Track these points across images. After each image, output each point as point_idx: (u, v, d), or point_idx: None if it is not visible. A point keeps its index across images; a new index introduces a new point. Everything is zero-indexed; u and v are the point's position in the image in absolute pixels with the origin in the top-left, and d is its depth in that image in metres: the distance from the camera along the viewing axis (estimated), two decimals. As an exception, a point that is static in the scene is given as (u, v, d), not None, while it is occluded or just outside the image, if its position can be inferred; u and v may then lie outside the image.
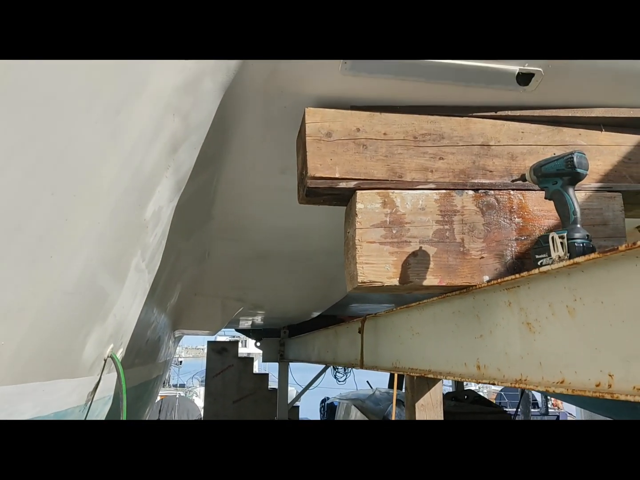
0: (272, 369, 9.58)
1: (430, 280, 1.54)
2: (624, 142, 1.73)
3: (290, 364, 8.38)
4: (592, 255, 1.05)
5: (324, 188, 1.57)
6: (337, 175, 1.56)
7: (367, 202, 1.56)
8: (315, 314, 6.28)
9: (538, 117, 1.68)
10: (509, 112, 1.68)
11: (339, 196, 1.63)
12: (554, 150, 1.68)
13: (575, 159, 1.23)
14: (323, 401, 11.76)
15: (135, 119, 1.16)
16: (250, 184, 2.19)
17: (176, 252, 2.34)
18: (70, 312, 1.33)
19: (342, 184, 1.56)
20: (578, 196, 1.60)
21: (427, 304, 2.04)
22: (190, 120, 1.46)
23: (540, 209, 1.60)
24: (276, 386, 8.61)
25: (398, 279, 1.53)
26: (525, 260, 1.56)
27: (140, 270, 1.75)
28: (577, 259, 1.10)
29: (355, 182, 1.57)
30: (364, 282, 1.52)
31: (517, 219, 1.59)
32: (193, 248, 2.73)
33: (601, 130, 1.72)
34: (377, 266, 1.53)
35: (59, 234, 1.03)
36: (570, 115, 1.68)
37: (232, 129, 1.76)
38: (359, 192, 1.56)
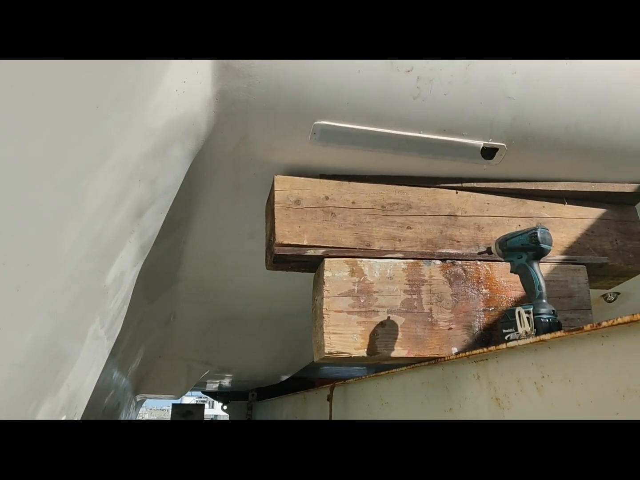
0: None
1: (399, 351, 1.51)
2: (587, 215, 1.77)
3: (260, 427, 8.08)
4: (558, 333, 1.05)
5: (292, 255, 1.55)
6: (305, 243, 1.55)
7: (335, 270, 1.54)
8: (285, 378, 6.13)
9: (503, 189, 1.72)
10: (475, 184, 1.71)
11: (307, 263, 1.62)
12: (519, 222, 1.72)
13: (539, 235, 1.25)
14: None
15: (98, 185, 1.14)
16: (219, 248, 2.16)
17: (139, 315, 2.27)
18: (19, 384, 1.25)
19: (310, 252, 1.55)
20: (544, 268, 1.62)
21: (396, 373, 2.00)
22: (157, 185, 1.44)
23: (507, 280, 1.60)
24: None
25: (366, 349, 1.50)
26: (493, 332, 1.55)
27: (99, 337, 1.67)
28: (543, 336, 1.09)
29: (323, 250, 1.56)
30: (331, 353, 1.48)
31: (484, 290, 1.60)
32: (158, 311, 2.65)
33: (564, 204, 1.77)
34: (344, 336, 1.50)
35: (8, 304, 0.98)
36: (533, 188, 1.72)
37: (201, 194, 1.75)
38: (327, 260, 1.55)
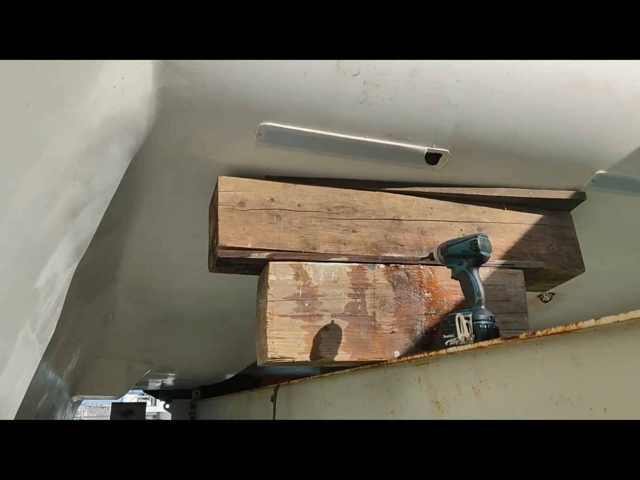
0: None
1: (342, 355, 1.51)
2: (525, 220, 1.83)
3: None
4: (495, 341, 1.07)
5: (236, 258, 1.52)
6: (249, 246, 1.52)
7: (279, 274, 1.52)
8: (229, 376, 6.06)
9: (446, 194, 1.75)
10: (419, 189, 1.73)
11: (251, 266, 1.59)
12: (461, 227, 1.75)
13: (479, 242, 1.28)
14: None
15: (27, 186, 1.07)
16: (160, 248, 2.10)
17: (75, 316, 2.17)
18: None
19: (255, 255, 1.53)
20: (484, 272, 1.67)
21: (339, 375, 2.01)
22: (93, 184, 1.38)
23: (448, 283, 1.63)
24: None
25: (309, 354, 1.49)
26: (435, 335, 1.58)
27: (30, 341, 1.59)
28: (481, 343, 1.11)
29: (268, 253, 1.53)
30: (274, 358, 1.47)
31: (426, 294, 1.62)
32: (95, 311, 2.55)
33: (504, 209, 1.82)
34: (288, 341, 1.48)
35: None
36: (475, 193, 1.76)
37: (142, 193, 1.69)
38: (271, 264, 1.53)
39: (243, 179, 1.59)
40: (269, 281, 1.51)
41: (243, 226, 1.53)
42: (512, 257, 1.74)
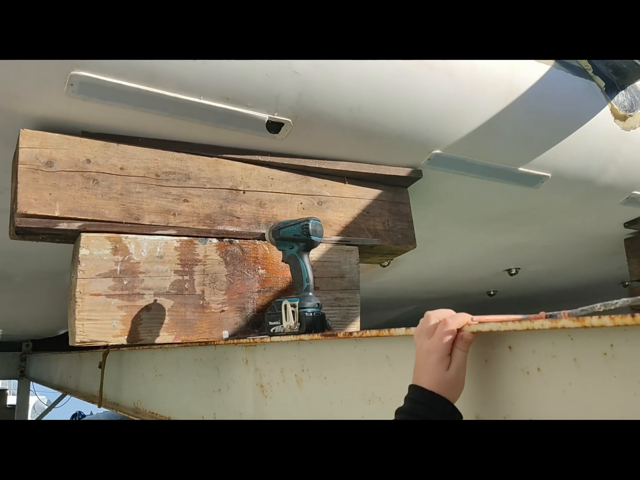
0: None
1: (164, 337, 1.40)
2: (364, 195, 1.83)
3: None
4: (315, 336, 1.04)
5: (40, 228, 1.31)
6: (57, 214, 1.32)
7: (94, 248, 1.35)
8: (62, 332, 5.62)
9: (288, 165, 1.67)
10: (260, 157, 1.63)
11: (62, 236, 1.39)
12: (301, 199, 1.69)
13: (310, 226, 1.22)
14: (74, 416, 10.77)
15: None
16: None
17: None
18: None
19: (63, 225, 1.33)
20: (321, 248, 1.64)
21: (170, 348, 1.90)
22: None
23: (284, 260, 1.58)
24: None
25: (126, 337, 1.35)
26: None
27: None
28: (302, 336, 1.07)
29: (80, 223, 1.34)
30: (84, 342, 1.31)
31: (261, 270, 1.55)
32: None
33: (345, 183, 1.79)
34: (101, 322, 1.33)
35: None
36: (317, 166, 1.71)
37: None
38: (84, 235, 1.34)
39: (52, 134, 1.35)
40: (80, 255, 1.32)
41: (50, 190, 1.32)
42: (349, 232, 1.73)
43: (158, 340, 1.39)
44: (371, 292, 3.82)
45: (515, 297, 4.53)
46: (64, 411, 9.69)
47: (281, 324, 1.18)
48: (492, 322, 0.70)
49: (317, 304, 1.21)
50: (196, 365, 1.74)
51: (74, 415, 10.64)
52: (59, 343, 5.49)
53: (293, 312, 1.16)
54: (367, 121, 1.62)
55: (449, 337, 0.71)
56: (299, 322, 1.16)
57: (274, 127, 1.54)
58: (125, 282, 1.36)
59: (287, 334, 1.18)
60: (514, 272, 3.50)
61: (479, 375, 0.76)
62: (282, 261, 1.30)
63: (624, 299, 0.63)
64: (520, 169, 2.00)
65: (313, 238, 1.23)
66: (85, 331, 1.30)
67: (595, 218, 2.55)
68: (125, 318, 1.35)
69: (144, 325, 1.37)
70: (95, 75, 1.25)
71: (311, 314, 1.18)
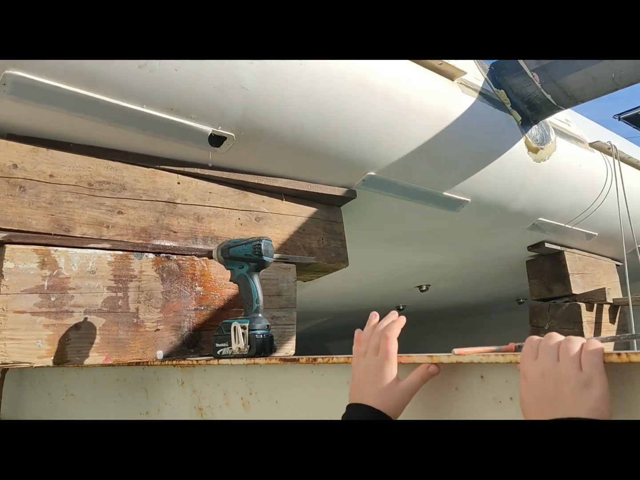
0: None
1: (94, 357, 1.31)
2: (301, 212, 1.83)
3: None
4: (273, 360, 1.02)
5: (-43, 238, 1.18)
6: (-23, 223, 1.19)
7: (19, 261, 1.23)
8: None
9: (227, 179, 1.64)
10: (199, 170, 1.58)
11: (-19, 247, 1.26)
12: (239, 215, 1.66)
13: (262, 246, 1.21)
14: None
15: None
16: None
17: None
18: None
19: (-15, 235, 1.20)
20: (258, 265, 1.61)
21: (87, 367, 1.78)
22: None
23: (223, 277, 1.54)
24: None
25: (52, 357, 1.25)
26: (203, 332, 1.47)
27: None
28: (257, 360, 1.05)
29: (4, 234, 1.22)
30: (5, 363, 1.19)
31: (198, 287, 1.50)
32: None
33: (282, 200, 1.79)
34: (25, 342, 1.22)
35: None
36: (256, 182, 1.69)
37: None
38: (9, 247, 1.23)
39: (-26, 135, 1.23)
40: (4, 269, 1.21)
41: (-30, 197, 1.19)
42: (286, 250, 1.73)
43: (87, 362, 1.29)
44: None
45: (422, 312, 4.73)
46: None
47: (229, 345, 1.15)
48: (473, 353, 0.73)
49: (267, 325, 1.19)
50: (119, 386, 1.64)
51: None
52: None
53: (243, 334, 1.14)
54: (309, 140, 1.63)
55: None
56: (248, 344, 1.14)
57: (216, 140, 1.51)
58: (52, 299, 1.26)
59: (236, 356, 1.14)
60: (424, 288, 3.66)
61: (447, 402, 0.79)
62: (230, 280, 1.26)
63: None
64: (445, 193, 2.11)
65: (265, 258, 1.21)
66: (7, 351, 1.18)
67: (504, 241, 2.74)
68: (51, 337, 1.25)
69: (72, 346, 1.27)
70: (31, 76, 1.15)
71: (261, 336, 1.16)
